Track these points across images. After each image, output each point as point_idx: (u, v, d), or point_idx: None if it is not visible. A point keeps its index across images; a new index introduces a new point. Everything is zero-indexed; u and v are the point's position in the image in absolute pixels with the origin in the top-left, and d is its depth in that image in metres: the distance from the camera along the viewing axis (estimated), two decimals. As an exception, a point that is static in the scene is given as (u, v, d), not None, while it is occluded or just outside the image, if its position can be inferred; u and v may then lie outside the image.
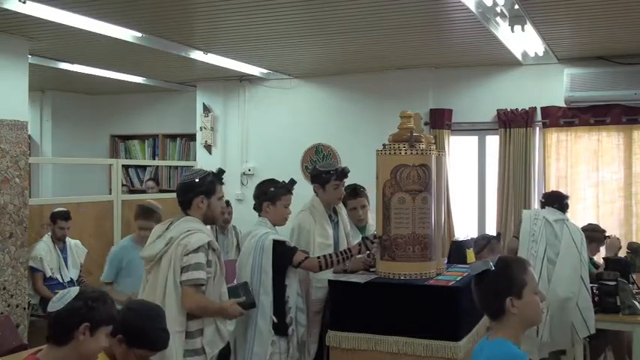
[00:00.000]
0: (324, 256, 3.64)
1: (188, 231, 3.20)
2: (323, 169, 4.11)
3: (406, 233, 3.46)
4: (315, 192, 4.09)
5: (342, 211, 4.24)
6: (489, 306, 2.21)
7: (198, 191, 3.30)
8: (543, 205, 4.66)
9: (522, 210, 4.81)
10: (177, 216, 3.38)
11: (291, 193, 3.85)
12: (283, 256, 3.61)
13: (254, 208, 3.86)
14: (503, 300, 2.14)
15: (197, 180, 3.32)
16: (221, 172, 3.43)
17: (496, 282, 2.17)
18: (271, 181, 3.84)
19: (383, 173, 3.48)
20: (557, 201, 4.62)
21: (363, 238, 3.65)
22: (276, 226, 3.82)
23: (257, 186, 3.86)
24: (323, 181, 4.02)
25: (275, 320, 3.55)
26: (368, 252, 3.69)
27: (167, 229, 3.31)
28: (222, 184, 3.42)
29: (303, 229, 3.94)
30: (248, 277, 3.61)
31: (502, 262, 2.20)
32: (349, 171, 4.06)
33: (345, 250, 3.68)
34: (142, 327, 2.44)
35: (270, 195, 3.76)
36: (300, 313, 3.77)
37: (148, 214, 4.68)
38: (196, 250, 3.14)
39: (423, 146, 3.49)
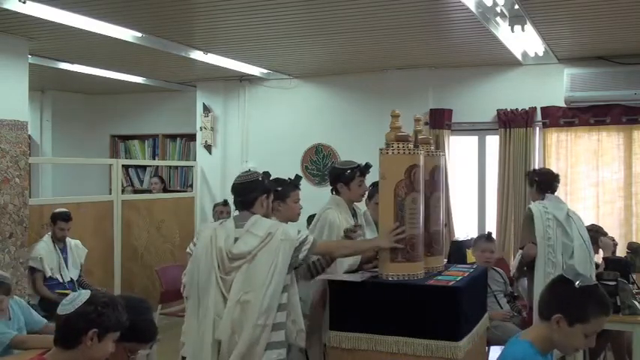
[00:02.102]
0: (314, 261, 3.62)
1: (278, 223, 3.30)
2: (345, 167, 4.08)
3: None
4: (335, 192, 4.07)
5: (361, 212, 4.25)
6: (543, 305, 2.20)
7: (262, 190, 3.38)
8: (540, 187, 4.66)
9: (528, 206, 4.62)
10: (240, 216, 3.35)
11: (299, 189, 3.89)
12: None
13: None
14: (555, 313, 2.12)
15: (260, 178, 3.40)
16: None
17: (568, 296, 2.13)
18: (277, 181, 3.83)
19: (395, 173, 3.44)
20: (550, 186, 4.68)
21: (344, 230, 3.65)
22: (289, 222, 3.82)
23: None
24: (347, 179, 3.99)
25: None
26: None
27: (239, 228, 3.27)
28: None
29: (334, 225, 3.89)
30: None
31: (590, 289, 2.15)
32: (372, 165, 4.04)
33: (318, 259, 3.64)
34: (130, 320, 2.44)
35: (280, 194, 3.77)
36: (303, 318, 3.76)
37: None
38: (299, 232, 3.30)
39: (411, 145, 3.48)
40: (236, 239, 3.23)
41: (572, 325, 2.11)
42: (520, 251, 4.80)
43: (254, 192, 3.35)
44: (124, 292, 6.19)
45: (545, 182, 4.69)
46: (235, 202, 3.41)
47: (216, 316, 3.15)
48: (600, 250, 5.50)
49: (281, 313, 3.20)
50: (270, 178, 3.71)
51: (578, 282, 2.13)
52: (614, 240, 5.72)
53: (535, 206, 4.54)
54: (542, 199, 4.60)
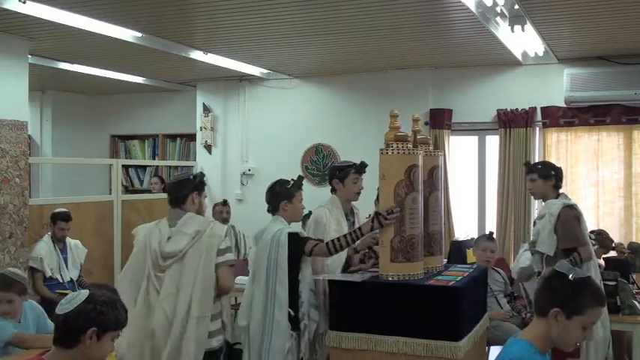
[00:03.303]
0: (332, 240, 3.64)
1: (210, 222, 3.60)
2: (341, 165, 4.24)
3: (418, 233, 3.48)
4: (332, 190, 4.16)
5: (360, 213, 4.30)
6: (540, 301, 2.19)
7: (192, 187, 3.62)
8: (557, 183, 4.40)
9: (568, 204, 4.30)
10: (173, 214, 3.60)
11: (302, 189, 3.95)
12: (297, 247, 3.67)
13: (268, 211, 3.91)
14: (552, 307, 2.12)
15: (191, 177, 3.67)
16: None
17: (563, 290, 2.13)
18: (283, 181, 3.93)
19: (395, 173, 3.44)
20: (562, 182, 4.46)
21: (375, 212, 3.51)
22: (292, 223, 3.89)
23: (269, 189, 3.91)
24: (342, 176, 4.09)
25: (292, 314, 3.60)
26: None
27: (172, 226, 3.54)
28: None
29: (320, 224, 4.00)
30: (264, 273, 3.67)
31: (585, 281, 2.15)
32: (367, 164, 4.10)
33: (354, 231, 3.64)
34: None
35: (287, 194, 3.86)
36: (313, 308, 3.78)
37: (7, 286, 3.87)
38: (225, 236, 3.54)
39: (410, 145, 3.48)
40: (169, 238, 3.50)
41: (570, 318, 2.11)
42: (529, 252, 4.52)
43: (185, 189, 3.60)
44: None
45: (561, 177, 4.46)
46: (169, 200, 3.65)
47: (149, 309, 3.45)
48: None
49: (216, 304, 3.50)
50: (277, 180, 3.91)
51: (571, 275, 2.14)
52: (623, 246, 5.72)
53: (574, 204, 4.32)
54: (557, 195, 4.39)
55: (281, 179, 3.95)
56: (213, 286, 3.44)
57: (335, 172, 4.16)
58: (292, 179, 3.94)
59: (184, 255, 3.44)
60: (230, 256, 3.53)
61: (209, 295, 3.43)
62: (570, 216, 4.25)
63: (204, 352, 3.41)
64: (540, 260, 4.35)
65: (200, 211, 3.66)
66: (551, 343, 2.20)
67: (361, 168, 4.12)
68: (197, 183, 3.65)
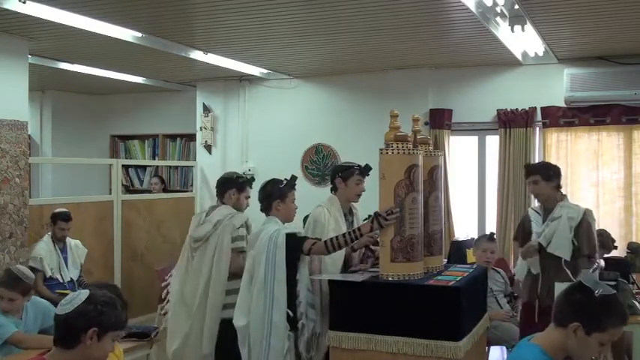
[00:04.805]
0: (331, 238, 3.65)
1: (230, 214, 4.22)
2: (345, 164, 4.26)
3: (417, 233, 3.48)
4: (334, 188, 4.15)
5: (359, 212, 4.29)
6: (560, 312, 2.15)
7: (232, 185, 4.35)
8: (559, 184, 4.42)
9: (585, 209, 4.40)
10: (213, 205, 4.41)
11: (295, 189, 3.95)
12: (295, 247, 3.67)
13: (262, 210, 3.91)
14: (573, 321, 2.08)
15: (234, 177, 4.42)
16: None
17: (587, 305, 2.08)
18: (275, 181, 3.93)
19: (395, 173, 3.45)
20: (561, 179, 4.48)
21: (375, 213, 3.50)
22: (286, 223, 3.90)
23: (262, 188, 3.91)
24: (346, 176, 4.08)
25: (291, 314, 3.60)
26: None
27: (207, 215, 4.27)
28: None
29: (318, 223, 4.01)
30: (262, 273, 3.68)
31: (610, 299, 2.10)
32: (371, 168, 4.08)
33: (353, 230, 3.65)
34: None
35: (279, 193, 3.87)
36: (310, 308, 3.79)
37: (12, 284, 3.92)
38: (240, 227, 4.20)
39: (410, 145, 3.49)
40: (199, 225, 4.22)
41: (590, 335, 2.07)
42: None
43: (225, 186, 4.36)
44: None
45: (560, 177, 4.49)
46: (216, 193, 4.47)
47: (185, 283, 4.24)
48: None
49: (232, 282, 4.07)
50: (270, 179, 3.95)
51: (597, 291, 2.09)
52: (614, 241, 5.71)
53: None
54: (563, 198, 4.42)
55: (274, 178, 3.95)
56: (226, 266, 4.10)
57: (338, 171, 4.15)
58: (285, 179, 3.94)
59: (207, 240, 4.16)
60: (240, 243, 4.14)
61: (221, 274, 4.08)
62: (591, 222, 4.37)
63: (220, 320, 4.07)
64: (552, 264, 4.32)
65: (237, 206, 4.32)
66: (564, 353, 2.16)
67: (365, 171, 4.11)
68: (238, 183, 4.36)
